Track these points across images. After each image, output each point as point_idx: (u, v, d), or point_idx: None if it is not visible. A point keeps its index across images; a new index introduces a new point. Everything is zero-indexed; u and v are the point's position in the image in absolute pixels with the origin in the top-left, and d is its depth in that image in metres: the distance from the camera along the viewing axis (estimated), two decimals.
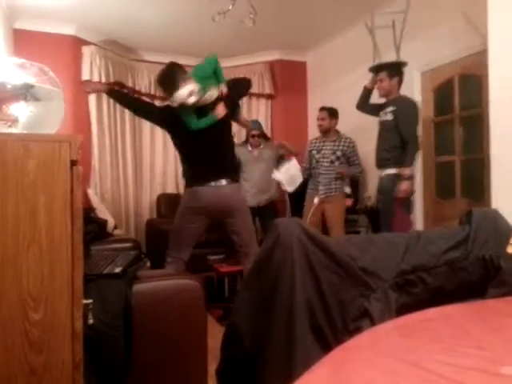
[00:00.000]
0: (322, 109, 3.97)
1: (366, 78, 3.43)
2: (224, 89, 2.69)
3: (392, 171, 3.16)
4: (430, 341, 0.97)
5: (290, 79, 5.56)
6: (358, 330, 1.16)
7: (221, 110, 2.66)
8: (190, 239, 2.83)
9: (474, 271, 1.34)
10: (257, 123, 4.40)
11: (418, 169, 3.60)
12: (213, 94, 2.67)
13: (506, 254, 1.36)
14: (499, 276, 1.33)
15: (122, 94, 3.52)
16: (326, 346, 1.12)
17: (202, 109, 2.66)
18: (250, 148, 4.26)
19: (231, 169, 2.84)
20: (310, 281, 1.17)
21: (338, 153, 3.85)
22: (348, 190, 3.91)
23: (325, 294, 1.17)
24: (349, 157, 3.87)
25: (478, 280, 1.35)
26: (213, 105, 2.67)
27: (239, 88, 2.90)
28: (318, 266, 1.19)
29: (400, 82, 3.28)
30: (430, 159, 3.80)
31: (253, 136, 4.24)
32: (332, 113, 3.93)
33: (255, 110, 5.60)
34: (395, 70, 3.30)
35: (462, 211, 2.57)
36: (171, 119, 2.73)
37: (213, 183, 2.68)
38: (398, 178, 3.12)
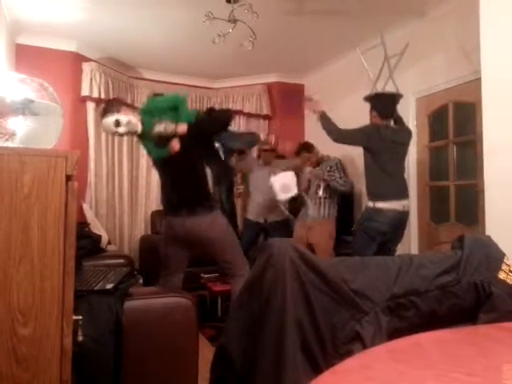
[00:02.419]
0: (301, 148, 4.14)
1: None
2: (182, 128, 2.67)
3: (369, 204, 3.12)
4: (421, 366, 0.97)
5: (287, 101, 5.63)
6: (349, 353, 1.15)
7: (174, 145, 2.66)
8: (177, 265, 2.83)
9: (466, 296, 1.34)
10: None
11: (412, 193, 3.62)
12: (167, 127, 2.68)
13: (497, 280, 1.36)
14: (490, 301, 1.33)
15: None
16: (317, 369, 1.11)
17: (161, 140, 2.69)
18: (261, 162, 4.34)
19: (202, 199, 2.76)
20: (301, 302, 1.17)
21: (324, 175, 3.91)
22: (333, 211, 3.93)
23: (316, 316, 1.17)
24: (336, 180, 3.87)
25: (470, 305, 1.35)
26: (170, 139, 2.68)
27: (209, 122, 2.93)
28: (310, 288, 1.19)
29: (378, 114, 3.16)
30: (425, 184, 3.83)
31: (265, 150, 4.30)
32: (309, 148, 4.10)
33: (252, 129, 5.65)
34: (373, 102, 3.23)
35: (455, 236, 2.58)
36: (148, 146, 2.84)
37: (183, 214, 2.67)
38: (368, 211, 3.10)
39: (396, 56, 3.48)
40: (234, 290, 2.83)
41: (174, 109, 2.76)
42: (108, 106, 2.75)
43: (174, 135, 2.67)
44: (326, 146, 4.33)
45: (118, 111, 2.63)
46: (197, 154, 2.83)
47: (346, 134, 3.15)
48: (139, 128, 2.69)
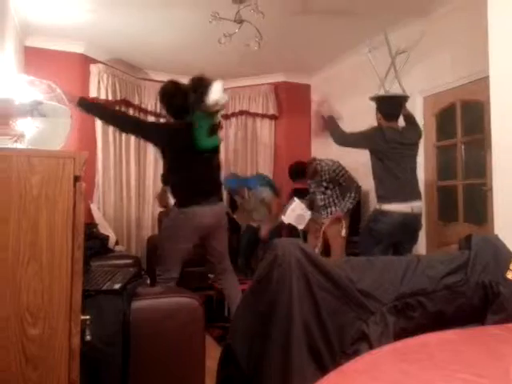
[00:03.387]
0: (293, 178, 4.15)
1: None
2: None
3: (376, 206, 3.10)
4: (429, 366, 0.96)
5: (294, 101, 5.63)
6: (356, 353, 1.15)
7: (222, 135, 2.77)
8: (182, 259, 2.81)
9: (474, 296, 1.33)
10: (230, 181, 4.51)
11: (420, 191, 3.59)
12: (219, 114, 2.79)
13: (505, 280, 1.35)
14: (498, 302, 1.32)
15: (98, 106, 3.14)
16: (323, 369, 1.11)
17: (213, 128, 2.72)
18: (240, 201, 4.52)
19: (220, 188, 2.94)
20: (308, 302, 1.17)
21: (324, 183, 3.90)
22: (343, 232, 3.90)
23: (323, 316, 1.16)
24: (337, 182, 3.87)
25: (478, 305, 1.34)
26: (217, 127, 2.77)
27: None
28: (317, 288, 1.19)
29: (383, 116, 3.11)
30: (433, 183, 3.81)
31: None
32: (301, 173, 4.03)
33: (259, 129, 5.67)
34: (378, 103, 3.19)
35: (463, 236, 2.55)
36: (170, 135, 2.74)
37: (211, 201, 2.72)
38: (374, 213, 3.09)
39: (406, 52, 3.43)
40: (235, 296, 2.86)
41: None
42: (203, 79, 2.72)
43: (218, 125, 2.80)
44: (333, 147, 4.31)
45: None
46: None
47: (349, 138, 3.15)
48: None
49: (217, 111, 2.73)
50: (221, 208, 2.81)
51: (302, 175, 4.01)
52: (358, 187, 3.88)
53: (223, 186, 3.76)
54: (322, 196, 3.93)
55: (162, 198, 4.36)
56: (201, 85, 2.66)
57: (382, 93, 3.31)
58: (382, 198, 3.04)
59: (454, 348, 1.07)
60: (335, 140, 3.16)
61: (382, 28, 3.68)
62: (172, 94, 2.75)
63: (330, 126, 3.18)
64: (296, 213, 3.96)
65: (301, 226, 4.00)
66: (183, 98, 2.69)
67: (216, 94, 2.60)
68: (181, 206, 2.73)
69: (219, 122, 2.83)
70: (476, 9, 2.90)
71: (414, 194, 3.07)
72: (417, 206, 3.03)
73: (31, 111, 1.31)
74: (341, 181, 3.86)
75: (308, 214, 3.97)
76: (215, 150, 2.81)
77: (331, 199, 3.92)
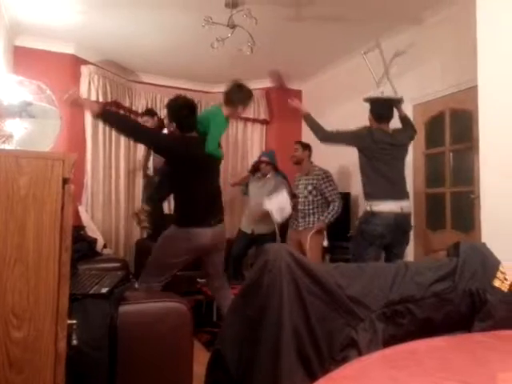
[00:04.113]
0: (296, 142, 4.27)
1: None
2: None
3: (366, 207, 3.10)
4: (417, 373, 0.97)
5: (285, 106, 5.61)
6: (345, 359, 1.15)
7: (222, 152, 2.81)
8: (173, 271, 2.78)
9: (461, 304, 1.34)
10: (268, 154, 4.55)
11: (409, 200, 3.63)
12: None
13: (492, 288, 1.37)
14: (485, 309, 1.33)
15: (120, 117, 3.21)
16: (312, 375, 1.11)
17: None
18: (258, 175, 4.44)
19: (222, 209, 2.85)
20: (297, 308, 1.16)
21: (309, 187, 3.95)
22: (325, 243, 3.93)
23: (312, 322, 1.16)
24: (322, 191, 3.92)
25: (465, 312, 1.35)
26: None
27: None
28: (306, 293, 1.18)
29: (374, 117, 3.16)
30: (421, 191, 3.84)
31: (261, 162, 4.41)
32: (304, 145, 4.17)
33: (250, 134, 5.67)
34: (371, 105, 3.23)
35: (451, 243, 2.58)
36: (186, 144, 2.69)
37: (212, 223, 2.68)
38: (365, 215, 3.09)
39: (400, 55, 3.48)
40: (226, 304, 2.82)
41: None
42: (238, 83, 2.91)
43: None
44: (323, 153, 4.35)
45: None
46: None
47: (334, 135, 3.16)
48: None
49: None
50: (221, 229, 2.76)
51: (306, 147, 4.16)
52: (340, 203, 3.94)
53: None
54: (304, 200, 3.96)
55: (140, 218, 4.42)
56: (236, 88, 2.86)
57: (375, 94, 3.34)
58: (370, 197, 3.04)
59: (442, 355, 1.07)
60: (319, 137, 3.17)
61: (374, 35, 3.72)
62: (181, 108, 2.70)
63: (309, 123, 3.21)
64: (280, 204, 3.96)
65: (278, 219, 3.98)
66: (192, 113, 2.70)
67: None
68: (182, 225, 2.67)
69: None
70: (465, 19, 2.95)
71: (403, 194, 3.09)
72: (406, 205, 3.05)
73: (20, 112, 1.30)
74: (325, 191, 3.91)
75: (289, 210, 3.97)
76: (215, 167, 2.84)
77: (311, 207, 3.95)
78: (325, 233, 3.90)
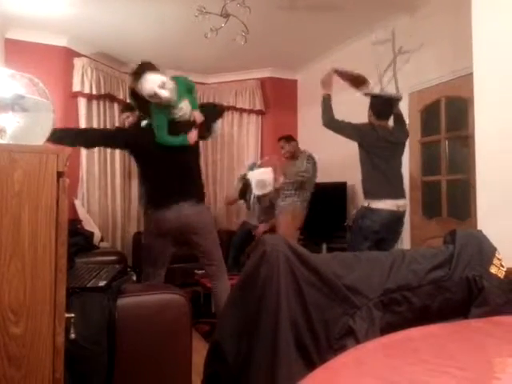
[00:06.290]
0: (279, 139, 4.30)
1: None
2: (198, 117, 2.64)
3: (364, 203, 3.13)
4: (414, 361, 0.97)
5: (280, 96, 5.63)
6: (343, 348, 1.15)
7: (193, 137, 2.61)
8: (161, 258, 2.79)
9: (458, 291, 1.35)
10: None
11: (405, 188, 3.63)
12: (186, 110, 2.60)
13: (489, 274, 1.37)
14: (482, 296, 1.34)
15: (61, 135, 2.71)
16: (311, 365, 1.12)
17: (175, 126, 2.59)
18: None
19: (196, 192, 2.76)
20: (295, 298, 1.17)
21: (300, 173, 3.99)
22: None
23: (310, 312, 1.17)
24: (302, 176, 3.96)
25: (462, 299, 1.36)
26: (186, 127, 2.62)
27: (214, 115, 2.91)
28: (304, 284, 1.19)
29: (374, 114, 3.16)
30: (417, 179, 3.85)
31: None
32: (288, 138, 4.23)
33: (245, 125, 5.65)
34: (371, 101, 3.21)
35: (447, 231, 2.59)
36: (133, 138, 2.67)
37: (174, 206, 2.61)
38: (362, 210, 3.11)
39: (403, 53, 3.45)
40: (220, 291, 2.82)
41: (188, 92, 2.67)
42: (145, 65, 2.53)
43: (192, 124, 2.60)
44: (320, 142, 4.35)
45: (160, 73, 2.45)
46: (199, 149, 2.86)
47: (339, 123, 3.15)
48: (173, 101, 2.48)
49: (170, 106, 2.55)
50: (191, 211, 2.65)
51: (291, 138, 4.22)
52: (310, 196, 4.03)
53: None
54: (288, 183, 4.00)
55: None
56: (137, 72, 2.51)
57: (377, 90, 3.33)
58: (369, 194, 3.08)
59: (438, 342, 1.08)
60: (324, 121, 3.15)
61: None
62: (133, 88, 2.59)
63: (324, 106, 3.17)
64: (262, 177, 4.01)
65: (256, 191, 4.03)
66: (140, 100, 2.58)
67: (152, 80, 2.41)
68: (145, 210, 2.75)
69: (193, 121, 2.64)
70: (461, 6, 2.93)
71: (400, 192, 3.12)
72: (402, 204, 3.09)
73: (12, 105, 1.28)
74: (305, 174, 3.97)
75: (270, 188, 4.03)
76: (184, 149, 2.64)
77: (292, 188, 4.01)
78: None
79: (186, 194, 2.68)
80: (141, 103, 2.58)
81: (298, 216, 3.99)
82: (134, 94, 2.59)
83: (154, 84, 2.41)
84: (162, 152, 2.60)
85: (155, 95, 2.43)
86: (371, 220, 3.00)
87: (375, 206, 3.00)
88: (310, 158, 4.05)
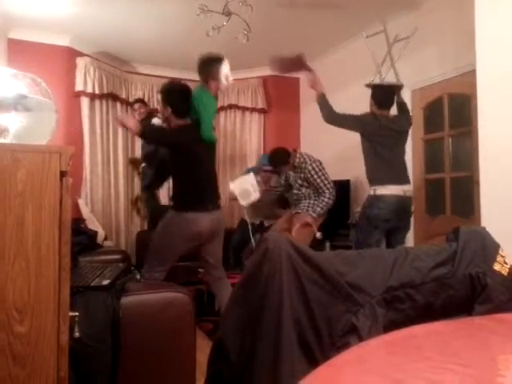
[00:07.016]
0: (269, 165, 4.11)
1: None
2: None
3: (370, 191, 3.11)
4: (417, 358, 0.97)
5: (283, 95, 5.62)
6: (346, 345, 1.15)
7: (215, 136, 2.78)
8: (174, 259, 2.77)
9: (461, 288, 1.34)
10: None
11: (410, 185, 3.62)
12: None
13: (492, 271, 1.37)
14: (486, 293, 1.34)
15: (154, 129, 3.29)
16: (314, 362, 1.12)
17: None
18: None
19: (219, 195, 2.85)
20: (298, 296, 1.17)
21: (299, 181, 3.84)
22: (318, 235, 3.80)
23: (312, 309, 1.17)
24: (312, 183, 3.74)
25: (465, 297, 1.35)
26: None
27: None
28: (307, 281, 1.19)
29: (376, 103, 3.14)
30: (420, 176, 3.84)
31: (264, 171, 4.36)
32: (282, 159, 3.93)
33: (248, 123, 5.65)
34: (373, 91, 3.20)
35: (451, 228, 2.58)
36: (191, 135, 2.67)
37: (209, 208, 2.66)
38: (369, 199, 3.09)
39: (401, 40, 3.43)
40: (228, 291, 2.80)
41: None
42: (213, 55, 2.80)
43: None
44: (323, 140, 4.34)
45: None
46: None
47: (340, 117, 3.14)
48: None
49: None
50: (219, 216, 2.73)
51: (283, 163, 3.86)
52: (332, 193, 3.72)
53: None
54: (297, 192, 3.89)
55: (138, 207, 4.44)
56: (215, 59, 2.73)
57: (377, 80, 3.33)
58: (374, 181, 3.06)
59: (442, 339, 1.08)
60: (324, 115, 3.13)
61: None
62: (177, 93, 2.68)
63: (321, 103, 3.16)
64: (243, 186, 3.88)
65: (242, 202, 3.91)
66: (187, 98, 2.67)
67: (228, 68, 2.70)
68: (178, 209, 2.66)
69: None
70: (463, 3, 2.92)
71: (405, 178, 3.12)
72: (408, 189, 3.08)
73: (15, 105, 1.29)
74: (311, 180, 3.72)
75: (255, 195, 3.87)
76: (213, 150, 2.82)
77: (305, 195, 3.88)
78: (314, 226, 3.72)
79: (218, 197, 2.77)
80: (181, 110, 2.68)
81: (312, 223, 3.76)
82: (173, 101, 2.68)
83: (227, 73, 2.69)
84: (205, 150, 2.68)
85: (227, 78, 2.70)
86: (378, 208, 2.98)
87: (380, 193, 2.99)
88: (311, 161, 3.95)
